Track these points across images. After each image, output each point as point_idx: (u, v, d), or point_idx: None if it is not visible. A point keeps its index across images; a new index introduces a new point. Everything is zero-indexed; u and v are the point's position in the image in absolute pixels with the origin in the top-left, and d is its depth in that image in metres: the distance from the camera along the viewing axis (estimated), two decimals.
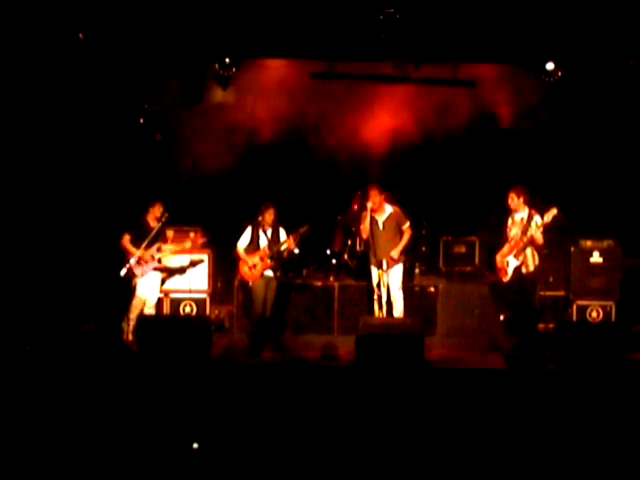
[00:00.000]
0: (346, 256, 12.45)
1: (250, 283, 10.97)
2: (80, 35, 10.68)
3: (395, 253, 10.80)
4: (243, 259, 10.93)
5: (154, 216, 10.95)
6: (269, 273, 10.90)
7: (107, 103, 11.76)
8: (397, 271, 10.90)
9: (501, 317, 11.10)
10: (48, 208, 11.45)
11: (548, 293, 11.86)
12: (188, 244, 11.16)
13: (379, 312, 10.76)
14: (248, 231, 10.98)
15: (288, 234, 10.93)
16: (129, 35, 10.71)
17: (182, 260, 11.43)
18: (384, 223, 10.92)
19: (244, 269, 10.95)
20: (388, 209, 10.95)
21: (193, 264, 11.50)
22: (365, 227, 10.94)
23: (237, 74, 12.26)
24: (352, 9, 10.50)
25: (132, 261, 10.67)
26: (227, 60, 11.89)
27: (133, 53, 10.93)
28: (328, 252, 12.66)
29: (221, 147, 12.76)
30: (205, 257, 11.66)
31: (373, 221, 10.94)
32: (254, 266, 10.88)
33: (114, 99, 11.49)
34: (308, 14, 10.51)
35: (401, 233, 10.90)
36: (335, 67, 12.55)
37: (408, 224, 10.92)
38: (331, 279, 12.16)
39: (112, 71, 11.15)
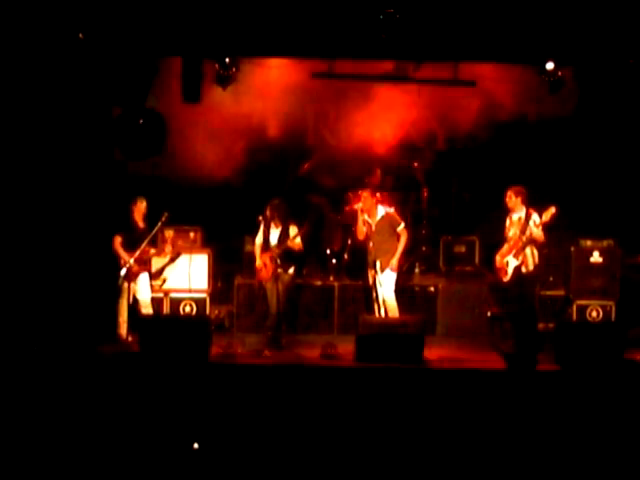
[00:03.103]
0: (346, 255, 12.46)
1: (264, 283, 10.97)
2: (80, 35, 10.65)
3: (394, 261, 10.78)
4: (256, 258, 10.95)
5: (139, 213, 10.91)
6: (279, 271, 10.84)
7: (106, 100, 11.76)
8: (390, 274, 10.86)
9: (488, 313, 11.06)
10: (43, 208, 11.40)
11: (548, 293, 11.86)
12: (168, 248, 11.16)
13: (378, 312, 10.76)
14: (261, 229, 10.98)
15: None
16: (127, 33, 10.68)
17: (163, 260, 11.37)
18: (377, 225, 10.91)
19: (257, 268, 10.95)
20: (381, 211, 10.95)
21: (172, 260, 11.44)
22: (359, 229, 10.97)
23: (237, 74, 12.28)
24: (352, 8, 10.48)
25: (127, 265, 10.65)
26: (227, 60, 11.90)
27: (132, 51, 10.90)
28: (328, 252, 12.67)
29: (221, 146, 12.77)
30: (184, 253, 11.60)
31: (366, 223, 10.95)
32: (264, 265, 10.86)
33: (113, 96, 11.46)
34: (308, 13, 10.49)
35: (397, 235, 10.88)
36: (335, 67, 12.57)
37: (403, 226, 10.90)
38: (331, 279, 12.16)
39: (110, 67, 11.11)
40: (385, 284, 10.79)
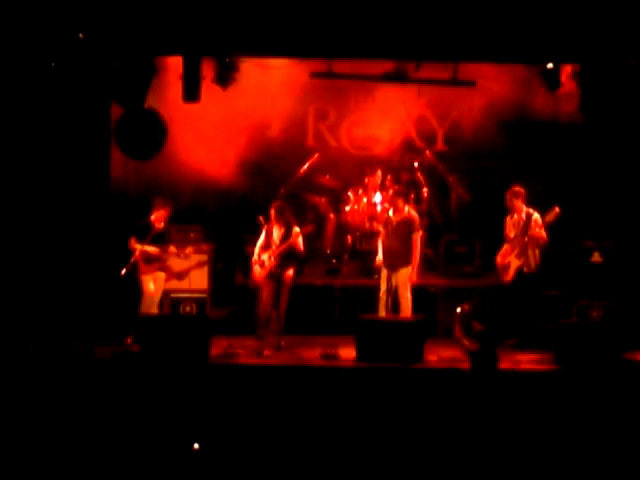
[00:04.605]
0: (346, 255, 12.47)
1: (257, 281, 10.95)
2: (80, 35, 10.65)
3: (414, 275, 10.76)
4: (254, 257, 10.93)
5: (159, 216, 10.88)
6: (278, 271, 10.83)
7: (105, 100, 11.77)
8: (404, 273, 10.80)
9: (458, 310, 11.02)
10: (41, 207, 11.41)
11: (548, 293, 11.85)
12: (189, 249, 11.13)
13: (382, 312, 10.75)
14: (264, 231, 10.96)
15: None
16: (127, 32, 10.67)
17: (184, 262, 11.36)
18: (397, 224, 10.88)
19: (254, 267, 10.93)
20: (405, 211, 10.92)
21: (198, 265, 11.47)
22: (381, 226, 11.07)
23: (237, 74, 12.29)
24: (352, 8, 10.47)
25: (135, 259, 10.66)
26: (227, 60, 11.91)
27: (132, 50, 10.90)
28: (328, 252, 12.68)
29: (220, 146, 12.78)
30: (206, 258, 11.63)
31: (389, 220, 10.96)
32: (262, 264, 10.85)
33: (112, 96, 11.46)
34: (308, 12, 10.49)
35: (411, 240, 10.78)
36: (335, 67, 12.58)
37: (420, 233, 10.84)
38: (331, 279, 12.15)
39: (109, 66, 11.11)
40: (400, 283, 10.77)
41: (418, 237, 10.82)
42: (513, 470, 7.62)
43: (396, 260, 10.76)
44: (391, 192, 11.42)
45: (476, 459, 7.70)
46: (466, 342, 10.54)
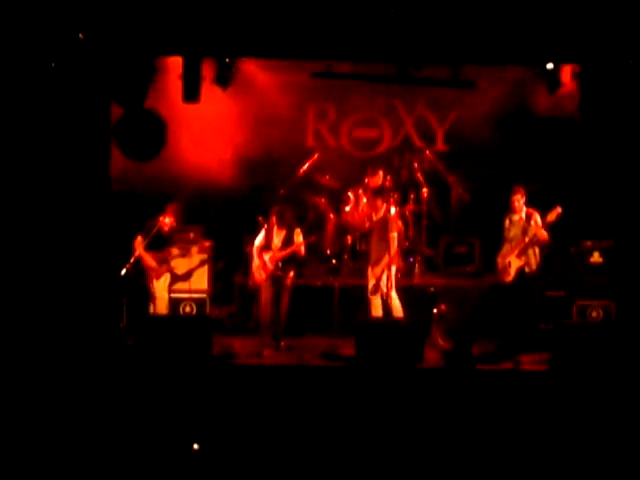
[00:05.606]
0: (346, 256, 12.47)
1: (258, 283, 10.96)
2: (80, 35, 10.66)
3: (378, 270, 10.70)
4: (254, 259, 10.93)
5: (165, 221, 10.90)
6: (280, 273, 10.86)
7: (105, 100, 11.77)
8: (390, 272, 10.78)
9: (434, 310, 11.02)
10: (51, 208, 11.42)
11: (548, 293, 11.86)
12: (194, 249, 11.17)
13: (374, 312, 10.75)
14: (264, 231, 10.98)
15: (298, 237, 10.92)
16: (127, 33, 10.68)
17: (189, 262, 11.39)
18: (375, 224, 10.89)
19: (254, 269, 10.93)
20: (382, 210, 10.90)
21: (201, 264, 11.50)
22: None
23: (237, 74, 12.29)
24: (352, 10, 10.48)
25: (128, 265, 10.67)
26: (227, 60, 11.92)
27: (132, 51, 10.91)
28: (328, 252, 12.67)
29: (220, 146, 12.79)
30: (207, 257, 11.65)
31: (371, 220, 10.97)
32: (263, 266, 10.86)
33: (112, 96, 11.46)
34: (308, 14, 10.50)
35: (387, 240, 10.74)
36: (335, 67, 12.58)
37: (393, 235, 10.72)
38: (331, 279, 12.15)
39: (109, 67, 11.12)
40: (384, 284, 10.76)
41: (392, 237, 10.70)
42: (513, 471, 7.63)
43: (378, 260, 10.75)
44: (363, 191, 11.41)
45: (476, 460, 7.71)
46: (440, 341, 10.60)
